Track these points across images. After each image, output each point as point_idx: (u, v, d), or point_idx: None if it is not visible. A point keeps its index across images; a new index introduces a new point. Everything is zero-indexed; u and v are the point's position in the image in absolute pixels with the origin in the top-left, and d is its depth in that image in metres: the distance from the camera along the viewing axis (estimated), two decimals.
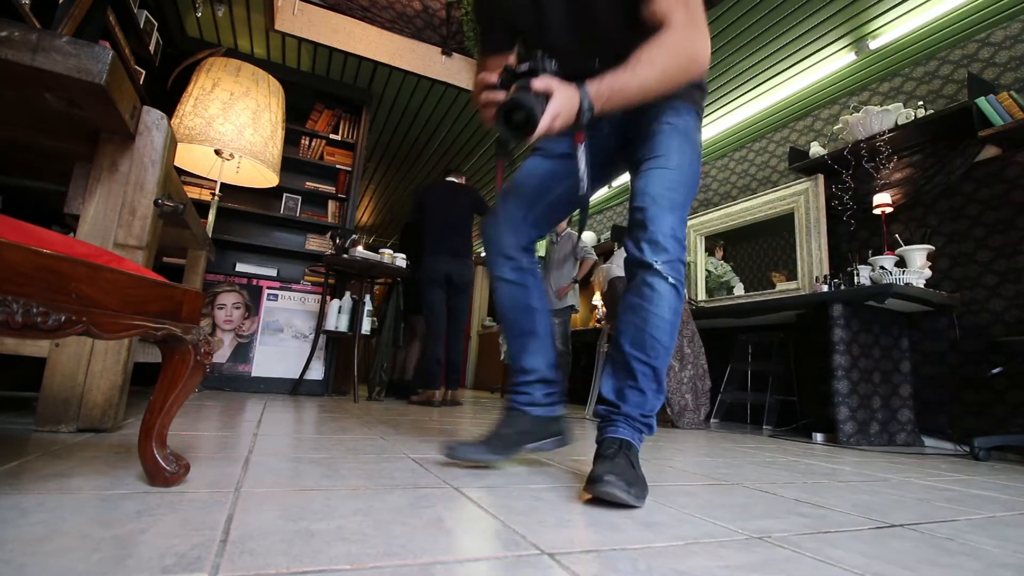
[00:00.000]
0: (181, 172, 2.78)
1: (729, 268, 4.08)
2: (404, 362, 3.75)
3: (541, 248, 4.36)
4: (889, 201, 2.96)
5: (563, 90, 0.87)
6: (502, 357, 4.92)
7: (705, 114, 4.00)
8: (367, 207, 6.87)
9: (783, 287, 3.50)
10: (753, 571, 0.57)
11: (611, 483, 0.80)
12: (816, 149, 3.47)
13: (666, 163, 0.99)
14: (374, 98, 4.04)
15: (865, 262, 2.87)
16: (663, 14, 0.91)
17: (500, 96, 0.90)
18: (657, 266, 0.94)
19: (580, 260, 4.05)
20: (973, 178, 2.78)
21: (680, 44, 0.91)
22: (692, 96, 1.07)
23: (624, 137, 1.12)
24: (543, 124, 0.84)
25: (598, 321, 4.87)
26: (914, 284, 2.57)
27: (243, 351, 3.13)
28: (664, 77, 0.91)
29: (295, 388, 3.05)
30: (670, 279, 0.94)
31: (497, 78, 0.93)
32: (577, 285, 4.13)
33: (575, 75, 0.90)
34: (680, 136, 1.02)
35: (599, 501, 0.82)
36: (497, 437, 1.09)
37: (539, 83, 0.86)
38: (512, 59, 0.94)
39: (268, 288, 3.25)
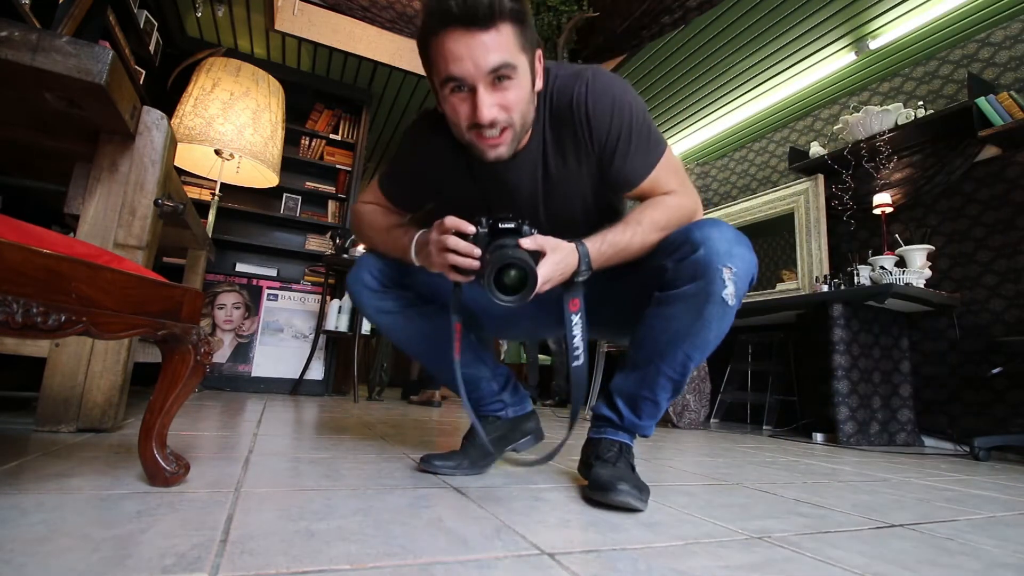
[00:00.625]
0: (181, 172, 2.78)
1: None
2: (412, 361, 3.69)
3: None
4: (889, 201, 2.96)
5: (559, 250, 0.79)
6: (502, 357, 4.92)
7: (705, 114, 4.01)
8: None
9: (783, 287, 3.50)
10: (753, 571, 0.57)
11: (625, 492, 0.79)
12: (816, 149, 3.46)
13: None
14: (374, 98, 4.04)
15: (865, 262, 2.87)
16: (653, 187, 0.90)
17: (477, 252, 0.78)
18: (724, 275, 0.79)
19: None
20: (973, 178, 2.77)
21: (681, 203, 0.90)
22: None
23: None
24: (538, 288, 0.74)
25: None
26: (914, 284, 2.57)
27: (243, 351, 3.13)
28: (666, 235, 0.87)
29: (295, 388, 3.05)
30: (731, 300, 0.81)
31: (471, 228, 0.80)
32: None
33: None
34: None
35: (599, 501, 0.82)
36: (474, 448, 1.05)
37: (529, 242, 0.76)
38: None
39: (268, 288, 3.25)
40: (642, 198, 0.93)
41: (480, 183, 0.97)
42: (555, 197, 0.95)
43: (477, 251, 0.78)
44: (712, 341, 0.85)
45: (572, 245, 0.81)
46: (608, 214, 1.00)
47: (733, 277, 0.80)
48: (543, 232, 0.82)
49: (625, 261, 0.87)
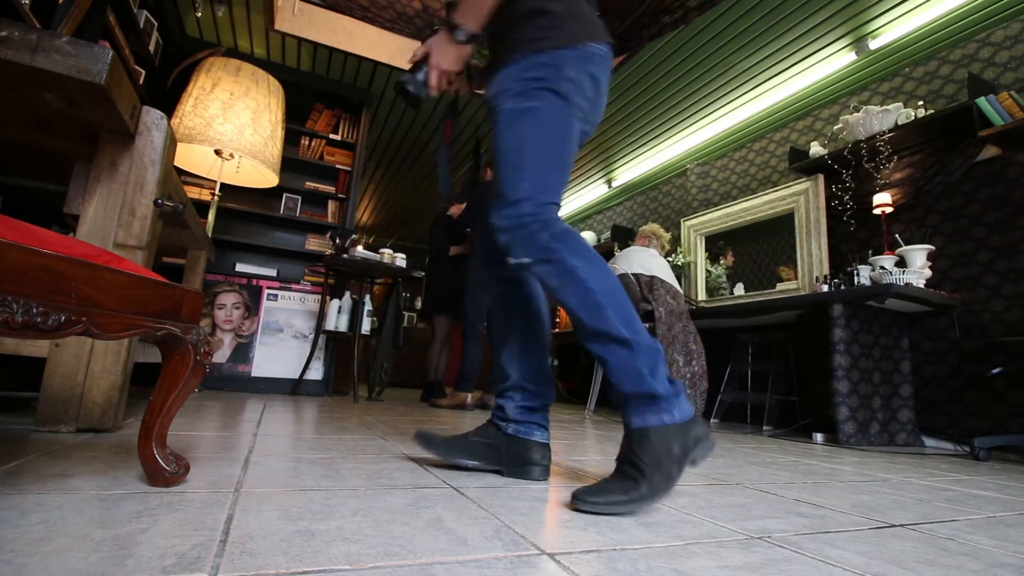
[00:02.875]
0: (181, 172, 2.78)
1: (723, 274, 4.08)
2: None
3: None
4: (889, 201, 2.96)
5: (432, 40, 0.99)
6: None
7: (705, 114, 4.00)
8: (367, 207, 6.87)
9: (784, 287, 3.50)
10: (753, 571, 0.57)
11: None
12: (816, 149, 3.46)
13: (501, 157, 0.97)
14: (374, 98, 4.04)
15: (865, 262, 2.87)
16: None
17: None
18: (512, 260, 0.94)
19: None
20: (973, 178, 2.77)
21: None
22: (525, 38, 0.96)
23: None
24: (432, 79, 0.98)
25: None
26: (914, 284, 2.57)
27: (243, 351, 3.13)
28: None
29: (295, 388, 3.05)
30: (528, 267, 0.93)
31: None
32: None
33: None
34: (506, 121, 0.95)
35: None
36: (463, 440, 1.04)
37: (411, 56, 1.02)
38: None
39: (268, 288, 3.25)
40: None
41: None
42: None
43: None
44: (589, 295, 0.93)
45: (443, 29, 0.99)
46: None
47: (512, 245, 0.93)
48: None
49: (484, 7, 0.95)
